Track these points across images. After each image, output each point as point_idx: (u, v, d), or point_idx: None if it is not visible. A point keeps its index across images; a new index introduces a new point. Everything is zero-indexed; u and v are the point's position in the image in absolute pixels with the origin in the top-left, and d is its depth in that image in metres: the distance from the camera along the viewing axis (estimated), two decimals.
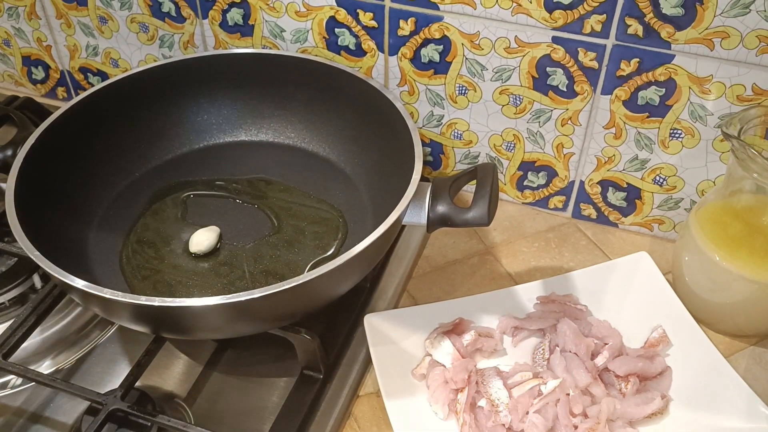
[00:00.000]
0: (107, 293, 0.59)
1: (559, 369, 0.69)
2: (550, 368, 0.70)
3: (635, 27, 0.72)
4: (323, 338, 0.70)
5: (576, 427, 0.65)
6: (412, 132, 0.75)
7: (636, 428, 0.67)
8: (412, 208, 0.68)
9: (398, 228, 0.68)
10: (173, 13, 0.91)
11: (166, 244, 0.78)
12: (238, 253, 0.77)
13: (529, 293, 0.78)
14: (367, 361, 0.72)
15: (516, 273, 0.83)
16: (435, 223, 0.68)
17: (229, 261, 0.76)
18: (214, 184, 0.85)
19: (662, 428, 0.67)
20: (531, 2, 0.74)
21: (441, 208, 0.67)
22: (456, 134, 0.88)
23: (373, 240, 0.63)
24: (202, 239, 0.76)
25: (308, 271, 0.73)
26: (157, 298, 0.59)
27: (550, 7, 0.74)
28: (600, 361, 0.70)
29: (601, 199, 0.87)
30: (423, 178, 0.69)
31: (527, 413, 0.65)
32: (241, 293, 0.58)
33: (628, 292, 0.78)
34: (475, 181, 0.69)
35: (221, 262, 0.76)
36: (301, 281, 0.59)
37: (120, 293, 0.59)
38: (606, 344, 0.71)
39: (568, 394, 0.66)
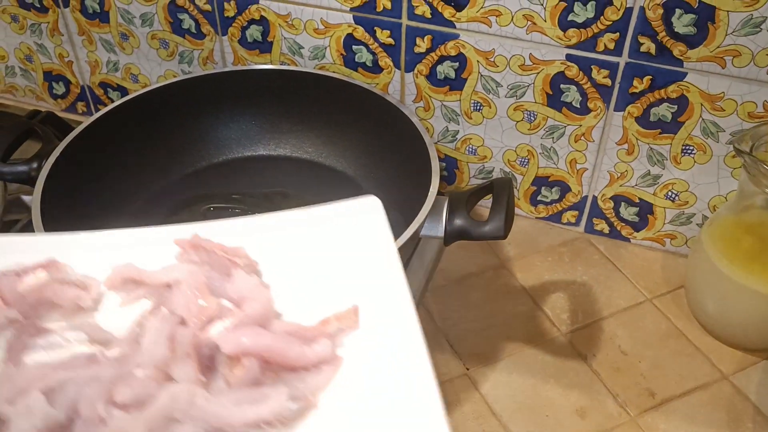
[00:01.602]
0: None
1: (145, 337, 0.44)
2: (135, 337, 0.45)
3: (648, 45, 0.73)
4: None
5: (105, 422, 0.40)
6: (429, 147, 0.76)
7: None
8: (429, 222, 0.69)
9: (416, 241, 0.69)
10: (193, 30, 0.93)
11: None
12: None
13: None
14: None
15: (530, 287, 0.84)
16: (452, 236, 0.69)
17: None
18: (231, 197, 0.86)
19: None
20: (545, 21, 0.76)
21: (458, 222, 0.69)
22: (470, 149, 0.89)
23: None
24: None
25: None
26: None
27: (564, 26, 0.75)
28: (216, 330, 0.44)
29: (613, 214, 0.88)
30: (438, 193, 0.71)
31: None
32: None
33: (338, 251, 0.51)
34: (490, 196, 0.70)
35: None
36: None
37: None
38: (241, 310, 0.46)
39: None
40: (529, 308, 0.82)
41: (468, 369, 0.75)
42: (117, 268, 0.49)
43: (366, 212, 0.53)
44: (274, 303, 0.47)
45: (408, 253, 0.71)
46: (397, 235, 0.68)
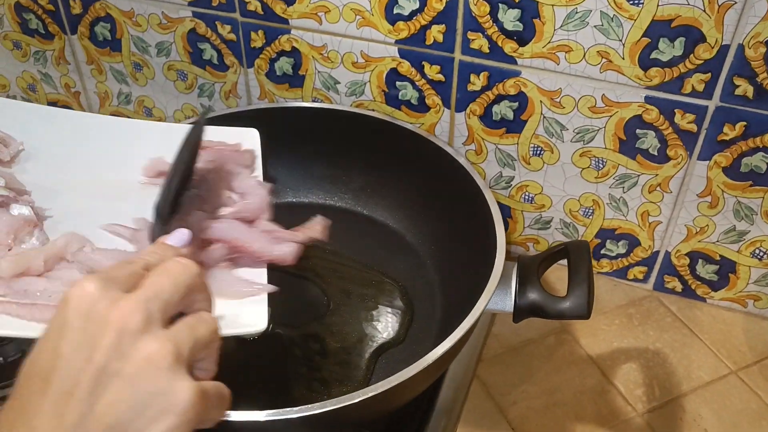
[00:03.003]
0: None
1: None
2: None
3: (744, 87, 0.64)
4: None
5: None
6: (485, 193, 0.68)
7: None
8: (495, 293, 0.59)
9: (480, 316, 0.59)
10: (215, 61, 0.84)
11: None
12: (284, 337, 0.68)
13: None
14: None
15: (598, 356, 0.74)
16: (523, 312, 0.59)
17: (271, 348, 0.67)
18: None
19: None
20: (623, 58, 0.66)
21: (531, 296, 0.59)
22: (527, 197, 0.79)
23: (461, 335, 0.54)
24: None
25: (369, 358, 0.65)
26: None
27: (645, 65, 0.66)
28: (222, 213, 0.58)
29: (688, 271, 0.78)
30: None
31: None
32: (311, 406, 0.50)
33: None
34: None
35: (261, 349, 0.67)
36: (386, 387, 0.51)
37: None
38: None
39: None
40: (598, 381, 0.72)
41: None
42: (152, 160, 0.62)
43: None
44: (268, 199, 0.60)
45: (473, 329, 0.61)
46: (450, 301, 0.58)
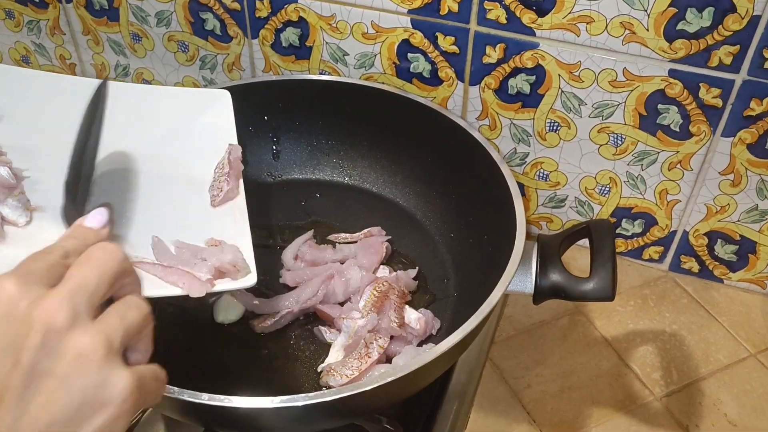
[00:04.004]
0: None
1: None
2: None
3: None
4: (404, 423, 0.59)
5: None
6: (502, 168, 0.65)
7: None
8: (516, 274, 0.57)
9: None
10: (218, 32, 0.81)
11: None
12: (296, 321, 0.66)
13: None
14: None
15: (613, 338, 0.72)
16: (544, 294, 0.57)
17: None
18: (255, 233, 0.73)
19: None
20: (648, 30, 0.63)
21: (553, 277, 0.56)
22: (541, 174, 0.77)
23: (481, 318, 0.52)
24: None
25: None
26: (205, 394, 0.48)
27: (671, 36, 0.63)
28: None
29: (706, 251, 0.76)
30: None
31: None
32: (323, 392, 0.47)
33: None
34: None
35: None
36: (409, 369, 0.48)
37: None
38: None
39: None
40: (614, 364, 0.70)
41: None
42: None
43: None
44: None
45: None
46: (464, 281, 0.56)
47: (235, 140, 0.65)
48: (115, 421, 0.35)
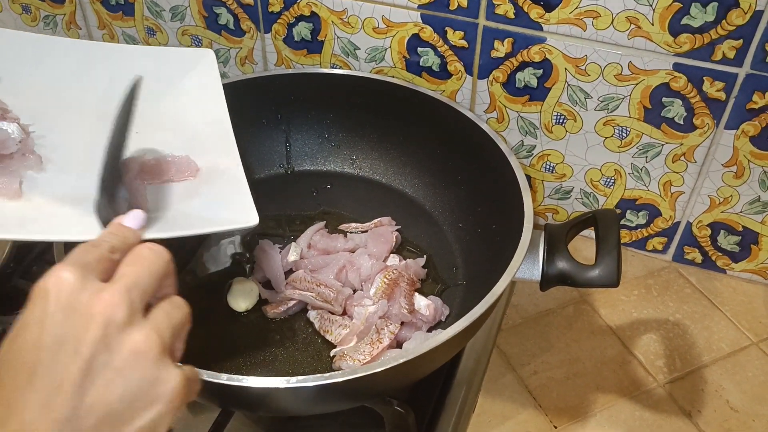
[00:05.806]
0: None
1: None
2: None
3: None
4: (414, 408, 0.61)
5: None
6: (510, 159, 0.66)
7: None
8: (523, 262, 0.58)
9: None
10: (231, 26, 0.82)
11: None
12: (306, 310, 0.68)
13: None
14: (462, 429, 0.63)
15: (617, 326, 0.74)
16: (551, 280, 0.59)
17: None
18: (267, 223, 0.75)
19: None
20: (653, 24, 0.65)
21: (560, 264, 0.58)
22: (548, 167, 0.78)
23: (491, 302, 0.54)
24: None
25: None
26: (224, 375, 0.50)
27: (675, 31, 0.64)
28: None
29: (709, 242, 0.77)
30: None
31: None
32: (333, 374, 0.49)
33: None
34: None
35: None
36: (419, 352, 0.50)
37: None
38: None
39: None
40: (618, 352, 0.72)
41: (556, 427, 0.65)
42: None
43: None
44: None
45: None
46: (472, 269, 0.57)
47: (222, 97, 0.63)
48: (163, 417, 0.36)
